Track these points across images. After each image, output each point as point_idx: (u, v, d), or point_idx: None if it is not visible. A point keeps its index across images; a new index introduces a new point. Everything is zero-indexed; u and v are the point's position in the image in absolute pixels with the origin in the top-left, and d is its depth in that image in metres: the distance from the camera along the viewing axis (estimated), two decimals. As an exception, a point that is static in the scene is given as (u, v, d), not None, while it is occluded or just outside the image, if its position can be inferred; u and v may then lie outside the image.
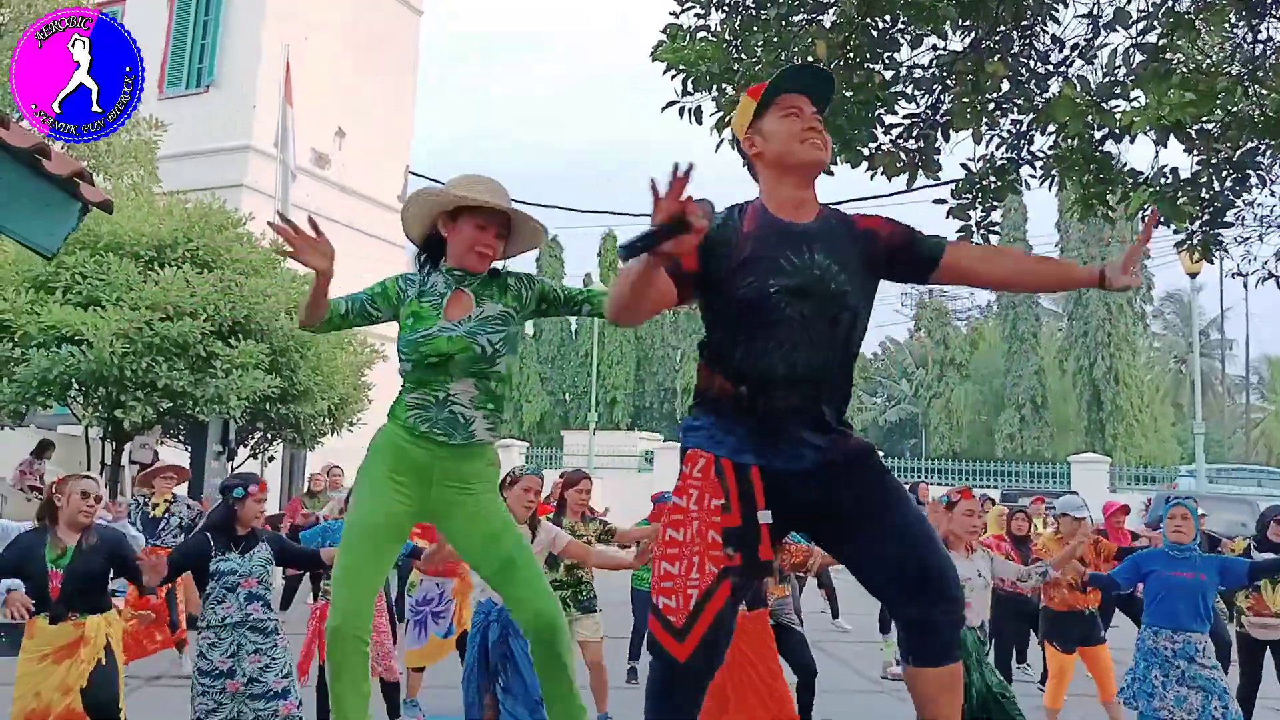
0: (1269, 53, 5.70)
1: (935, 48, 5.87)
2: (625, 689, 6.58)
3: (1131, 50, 5.44)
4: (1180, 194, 5.77)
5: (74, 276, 10.67)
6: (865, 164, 5.91)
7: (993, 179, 6.10)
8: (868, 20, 5.54)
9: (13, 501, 11.16)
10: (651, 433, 31.67)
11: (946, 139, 5.99)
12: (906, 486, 3.47)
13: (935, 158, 6.05)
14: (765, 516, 2.34)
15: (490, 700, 4.41)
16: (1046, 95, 5.89)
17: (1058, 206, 28.55)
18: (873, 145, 5.95)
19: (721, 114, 5.77)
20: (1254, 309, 53.48)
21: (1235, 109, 5.68)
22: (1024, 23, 5.86)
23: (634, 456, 26.64)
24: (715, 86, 5.73)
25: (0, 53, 11.82)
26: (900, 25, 5.72)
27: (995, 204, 6.18)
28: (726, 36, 5.71)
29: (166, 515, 7.25)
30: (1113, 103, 5.45)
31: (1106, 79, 5.49)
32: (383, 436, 3.03)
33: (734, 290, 2.37)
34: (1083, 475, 21.76)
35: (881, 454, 2.97)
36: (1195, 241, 6.14)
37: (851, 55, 5.63)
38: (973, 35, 5.83)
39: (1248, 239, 6.70)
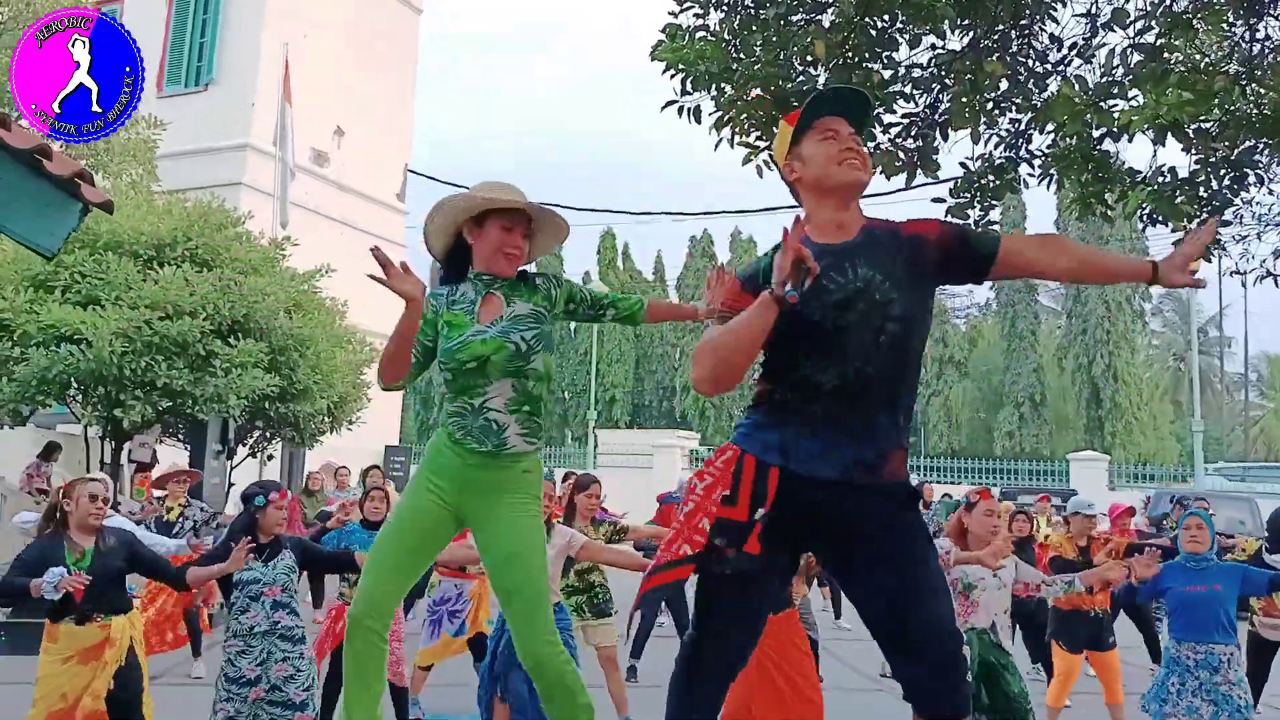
0: (1267, 52, 5.72)
1: (934, 47, 5.88)
2: (631, 687, 6.59)
3: (1129, 50, 5.45)
4: (1178, 193, 5.79)
5: (73, 275, 10.68)
6: (864, 163, 5.91)
7: (991, 178, 6.11)
8: (866, 20, 5.55)
9: (15, 504, 11.15)
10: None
11: (945, 138, 6.00)
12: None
13: (934, 157, 6.06)
14: (761, 514, 2.36)
15: (499, 702, 4.43)
16: (1045, 94, 5.90)
17: (1056, 205, 28.53)
18: (871, 144, 5.96)
19: (720, 113, 5.78)
20: (1252, 307, 53.74)
21: (1233, 108, 5.69)
22: (1022, 22, 5.87)
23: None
24: (714, 86, 5.73)
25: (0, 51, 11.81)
26: (899, 25, 5.73)
27: (994, 203, 6.19)
28: (725, 36, 5.71)
29: (181, 518, 7.28)
30: (1111, 102, 5.47)
31: (1104, 78, 5.51)
32: (431, 445, 3.09)
33: (784, 319, 2.39)
34: (1082, 473, 21.77)
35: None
36: (1193, 240, 6.14)
37: (850, 55, 5.64)
38: (971, 35, 5.84)
39: (1246, 237, 6.73)
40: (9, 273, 10.82)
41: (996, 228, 6.28)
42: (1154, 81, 5.16)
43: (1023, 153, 6.18)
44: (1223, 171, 5.86)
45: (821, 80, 5.64)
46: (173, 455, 13.11)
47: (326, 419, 13.06)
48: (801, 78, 5.68)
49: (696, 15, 5.77)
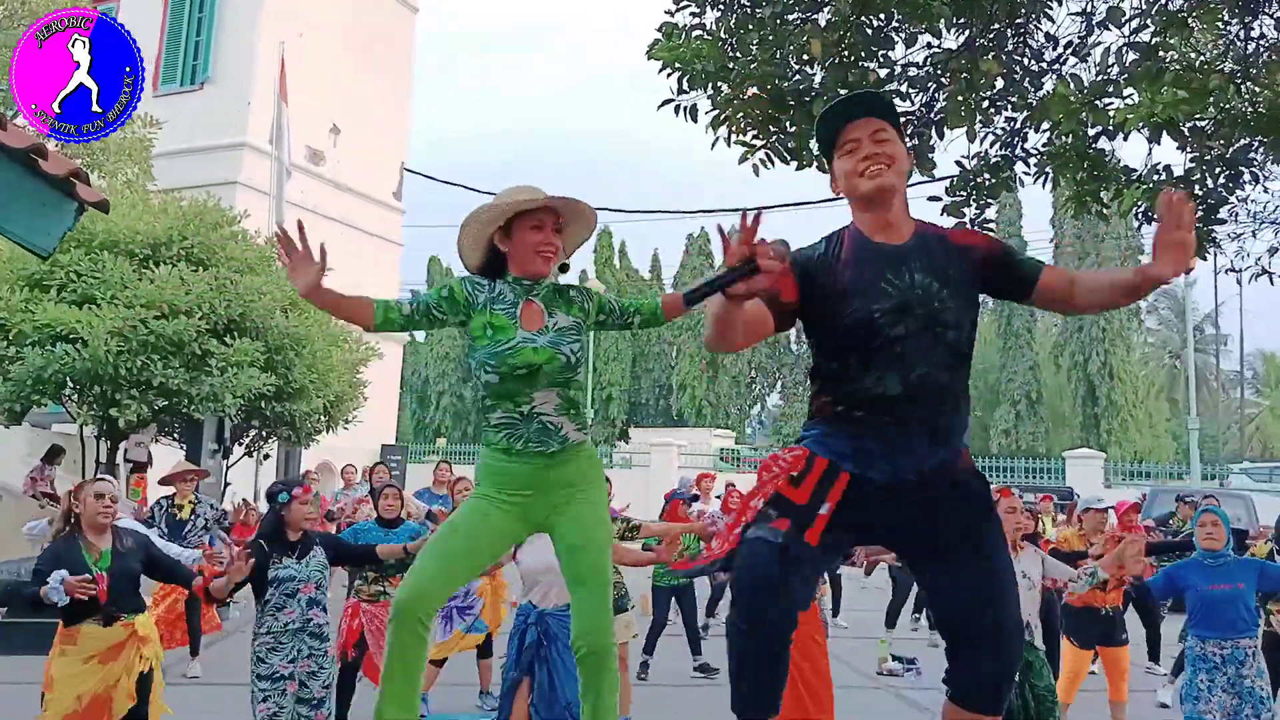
0: (1262, 50, 5.73)
1: (929, 46, 5.89)
2: (637, 685, 6.62)
3: (1125, 48, 5.47)
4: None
5: (69, 275, 10.66)
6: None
7: (987, 176, 6.12)
8: (862, 18, 5.56)
9: (13, 504, 11.15)
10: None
11: (941, 136, 6.01)
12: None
13: (930, 155, 6.07)
14: (825, 509, 2.40)
15: (521, 700, 4.44)
16: (1040, 93, 5.91)
17: (1052, 203, 28.62)
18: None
19: (717, 112, 5.78)
20: (1248, 304, 53.65)
21: (1228, 106, 5.70)
22: (1018, 21, 5.88)
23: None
24: (711, 84, 5.73)
25: (-4, 50, 11.79)
26: (894, 23, 5.74)
27: (989, 201, 6.21)
28: (722, 35, 5.72)
29: (193, 516, 7.28)
30: (1106, 100, 5.48)
31: (1100, 77, 5.52)
32: (483, 466, 3.09)
33: (839, 318, 2.42)
34: (1078, 470, 21.83)
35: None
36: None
37: (846, 53, 5.65)
38: (967, 33, 5.85)
39: (1241, 235, 6.76)
40: (4, 272, 10.80)
41: (992, 226, 6.29)
42: (1149, 80, 5.17)
43: (1018, 151, 6.19)
44: (1218, 169, 5.88)
45: (818, 79, 5.65)
46: (169, 455, 13.07)
47: (323, 418, 13.04)
48: (797, 76, 5.69)
49: (693, 14, 5.77)
